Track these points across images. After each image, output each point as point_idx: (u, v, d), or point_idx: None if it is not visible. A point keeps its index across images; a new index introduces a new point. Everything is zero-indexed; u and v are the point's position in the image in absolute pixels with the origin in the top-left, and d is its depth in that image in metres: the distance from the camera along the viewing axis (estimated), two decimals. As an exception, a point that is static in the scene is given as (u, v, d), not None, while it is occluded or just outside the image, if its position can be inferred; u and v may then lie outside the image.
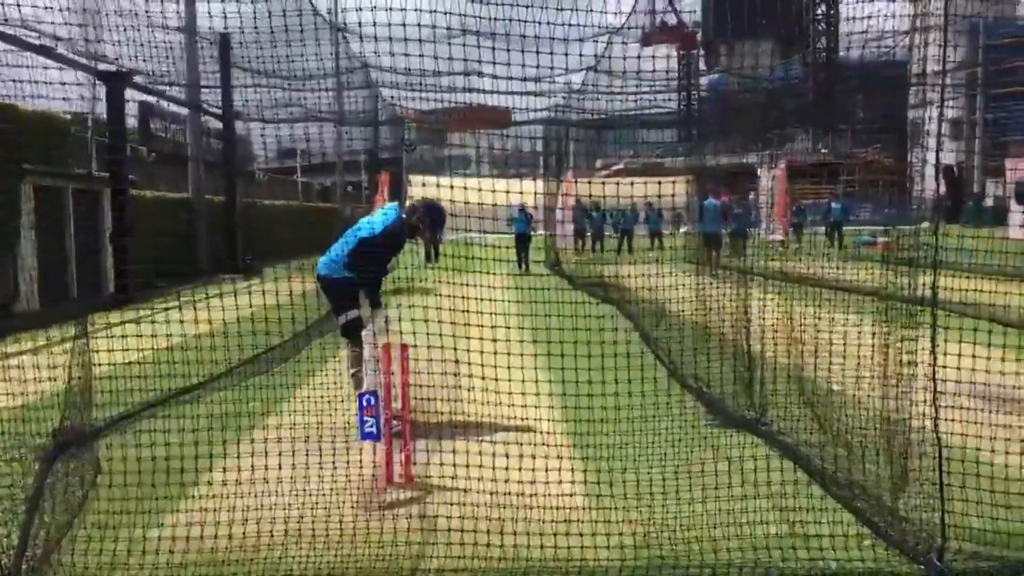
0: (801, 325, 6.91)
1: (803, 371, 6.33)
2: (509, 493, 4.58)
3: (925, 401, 3.99)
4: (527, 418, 6.16)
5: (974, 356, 4.96)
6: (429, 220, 6.64)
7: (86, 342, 5.03)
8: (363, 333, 6.37)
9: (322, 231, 35.39)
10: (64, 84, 6.89)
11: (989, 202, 41.54)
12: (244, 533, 4.36)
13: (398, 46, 5.30)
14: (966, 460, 4.31)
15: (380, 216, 6.83)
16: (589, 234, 28.86)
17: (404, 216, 6.76)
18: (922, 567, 3.79)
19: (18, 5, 7.13)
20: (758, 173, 30.78)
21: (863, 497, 4.50)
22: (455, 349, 5.03)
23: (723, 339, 7.44)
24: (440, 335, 5.00)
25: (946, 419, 3.94)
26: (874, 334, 4.66)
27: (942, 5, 4.48)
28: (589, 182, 23.75)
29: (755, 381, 6.52)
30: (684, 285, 8.58)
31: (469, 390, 5.39)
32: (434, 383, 5.59)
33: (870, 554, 4.00)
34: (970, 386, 5.13)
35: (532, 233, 24.82)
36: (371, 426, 5.11)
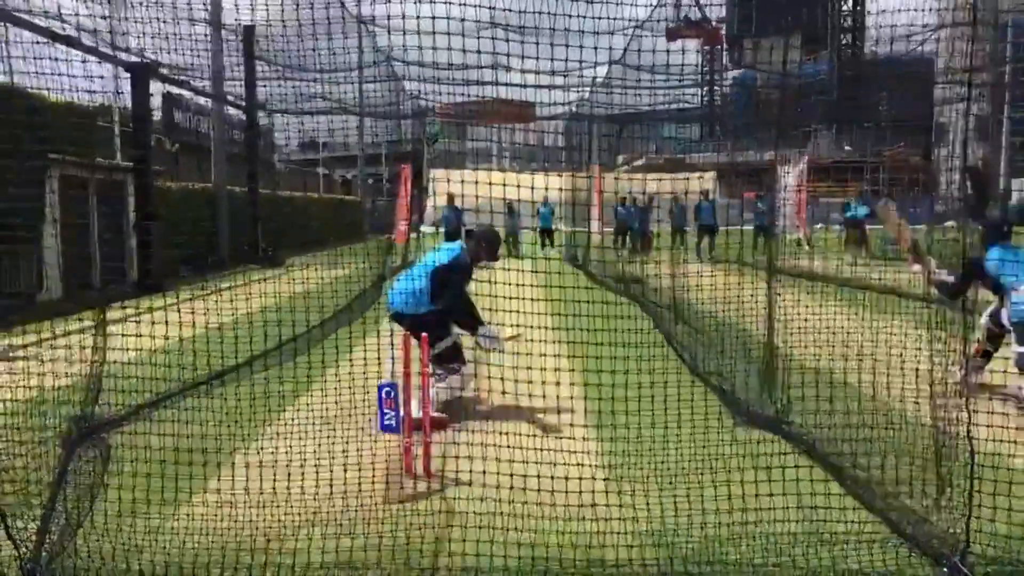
0: (826, 323, 6.86)
1: (829, 370, 6.28)
2: (527, 480, 4.57)
3: (957, 404, 3.93)
4: (548, 412, 6.16)
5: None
6: (487, 246, 7.15)
7: (104, 330, 5.05)
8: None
9: (343, 223, 35.58)
10: (90, 75, 6.92)
11: (1014, 201, 41.09)
12: (263, 521, 4.38)
13: (423, 39, 5.29)
14: (996, 465, 4.25)
15: (445, 251, 7.16)
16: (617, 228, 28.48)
17: (465, 248, 7.13)
18: (945, 570, 3.75)
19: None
20: (779, 170, 30.57)
21: (886, 498, 4.45)
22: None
23: (745, 336, 7.39)
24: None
25: (976, 423, 3.88)
26: (904, 335, 4.61)
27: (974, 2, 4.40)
28: (616, 178, 23.61)
29: (777, 378, 6.47)
30: (705, 281, 8.52)
31: (487, 387, 5.39)
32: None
33: (892, 555, 3.96)
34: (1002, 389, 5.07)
35: (554, 228, 25.38)
36: (391, 418, 5.12)
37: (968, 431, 3.78)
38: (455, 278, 6.84)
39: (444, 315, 6.80)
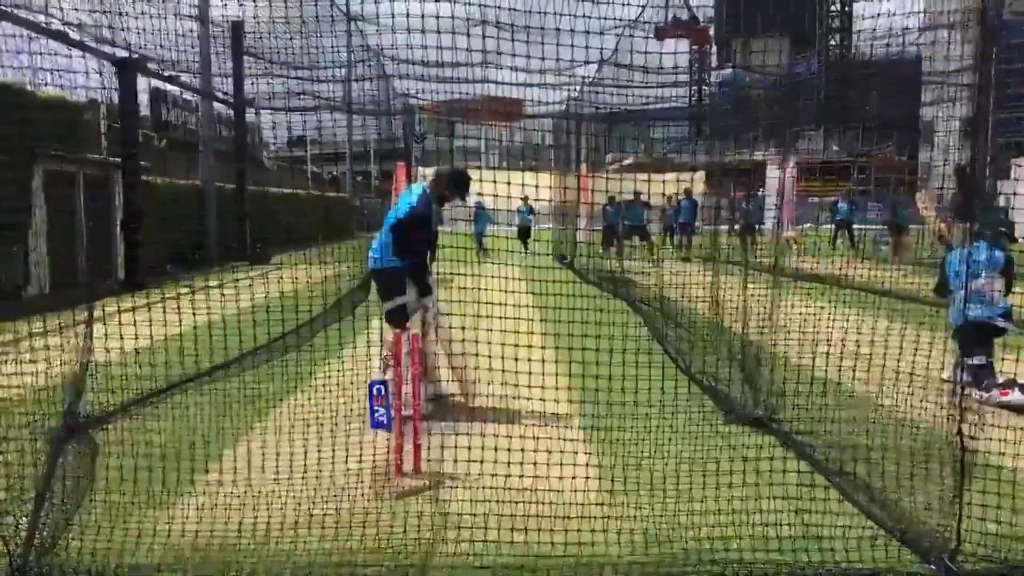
0: (817, 324, 6.86)
1: (820, 369, 6.30)
2: (518, 481, 4.56)
3: (944, 403, 3.94)
4: (539, 410, 6.14)
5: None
6: (452, 185, 6.74)
7: (90, 328, 5.01)
8: (427, 316, 6.66)
9: (332, 220, 35.46)
10: (78, 70, 6.87)
11: (1001, 202, 41.30)
12: (254, 519, 4.36)
13: (409, 36, 5.28)
14: (987, 464, 4.27)
15: (412, 197, 6.82)
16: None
17: (428, 190, 6.79)
18: (933, 567, 3.76)
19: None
20: (768, 171, 30.63)
21: (875, 497, 4.47)
22: (470, 336, 5.01)
23: (735, 336, 7.41)
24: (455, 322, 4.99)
25: (968, 422, 3.89)
26: (898, 335, 4.62)
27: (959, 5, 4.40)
28: (607, 177, 23.58)
29: (766, 379, 6.48)
30: (694, 281, 8.54)
31: (483, 384, 5.37)
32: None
33: (881, 554, 3.97)
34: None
35: (533, 225, 25.68)
36: (382, 415, 5.10)
37: (959, 430, 3.80)
38: (412, 225, 6.59)
39: (403, 271, 6.62)
